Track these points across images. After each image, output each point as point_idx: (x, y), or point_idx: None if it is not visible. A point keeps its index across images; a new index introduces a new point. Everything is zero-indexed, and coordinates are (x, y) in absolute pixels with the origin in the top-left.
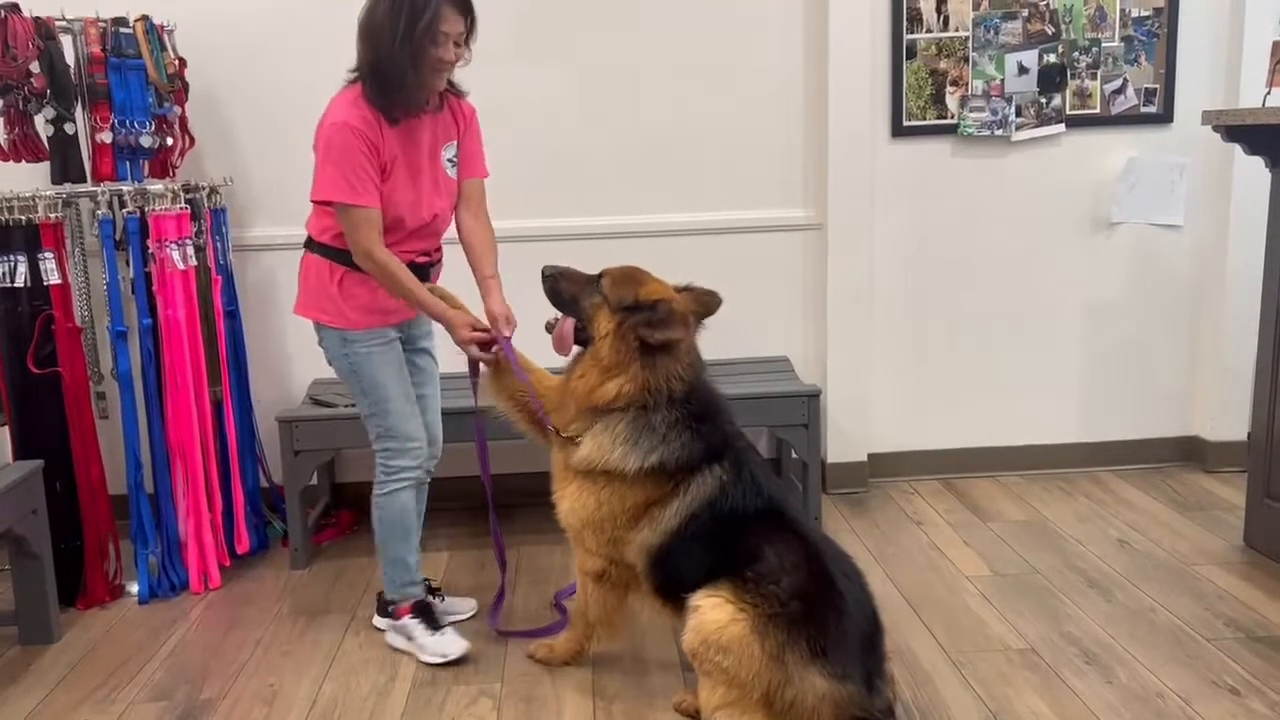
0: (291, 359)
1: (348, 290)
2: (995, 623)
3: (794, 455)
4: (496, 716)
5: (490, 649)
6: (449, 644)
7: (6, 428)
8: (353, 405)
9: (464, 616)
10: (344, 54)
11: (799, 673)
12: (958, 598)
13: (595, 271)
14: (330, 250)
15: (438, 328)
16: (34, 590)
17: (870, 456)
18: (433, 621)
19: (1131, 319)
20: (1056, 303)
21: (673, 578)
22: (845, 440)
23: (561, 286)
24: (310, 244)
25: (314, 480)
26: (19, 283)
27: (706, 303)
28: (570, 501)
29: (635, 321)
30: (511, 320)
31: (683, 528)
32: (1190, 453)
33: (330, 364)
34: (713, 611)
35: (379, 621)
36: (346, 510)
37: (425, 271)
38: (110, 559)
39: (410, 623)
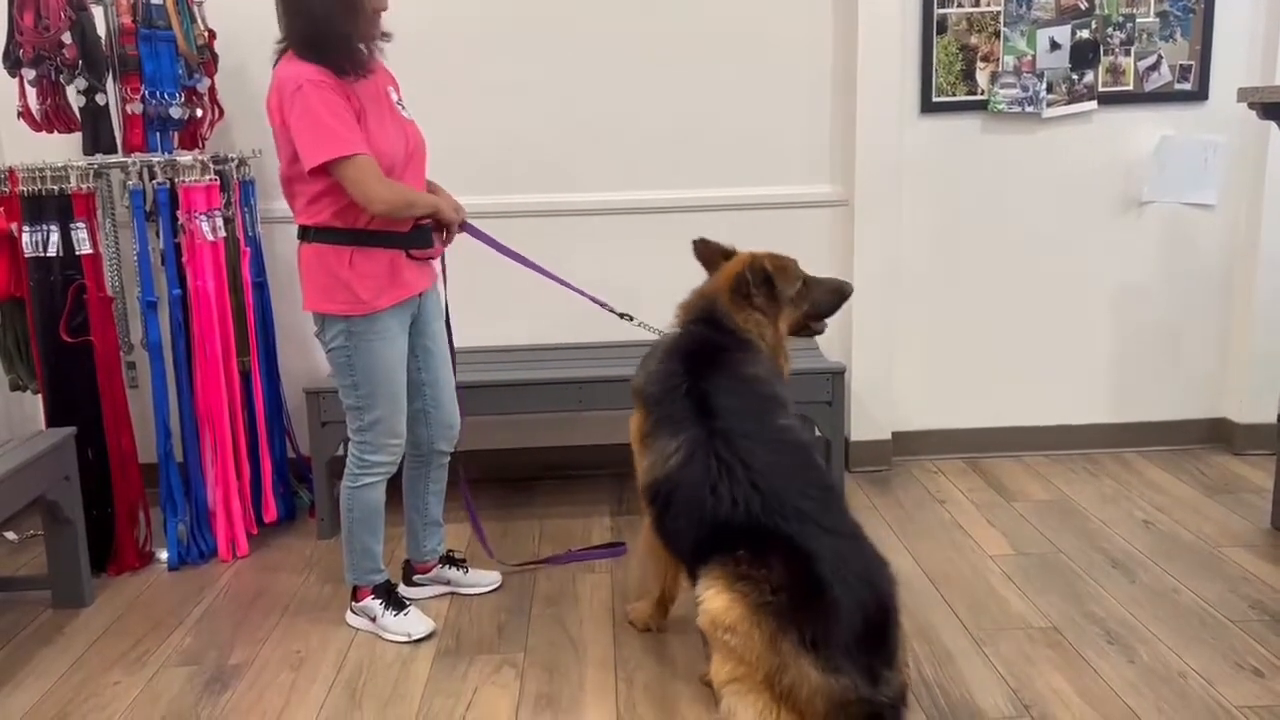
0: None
1: (362, 269)
2: (1018, 601)
3: (817, 433)
4: (519, 685)
5: (514, 619)
6: (413, 623)
7: (39, 395)
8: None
9: (489, 588)
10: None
11: (793, 661)
12: (980, 576)
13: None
14: (334, 233)
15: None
16: (67, 555)
17: (894, 435)
18: (396, 603)
19: (1161, 299)
20: (1085, 282)
21: (667, 540)
22: (869, 418)
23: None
24: (308, 234)
25: (341, 451)
26: (51, 252)
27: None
28: None
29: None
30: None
31: (656, 486)
32: (1218, 435)
33: (327, 353)
34: (715, 600)
35: (350, 617)
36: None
37: (426, 233)
38: (140, 526)
39: (373, 604)
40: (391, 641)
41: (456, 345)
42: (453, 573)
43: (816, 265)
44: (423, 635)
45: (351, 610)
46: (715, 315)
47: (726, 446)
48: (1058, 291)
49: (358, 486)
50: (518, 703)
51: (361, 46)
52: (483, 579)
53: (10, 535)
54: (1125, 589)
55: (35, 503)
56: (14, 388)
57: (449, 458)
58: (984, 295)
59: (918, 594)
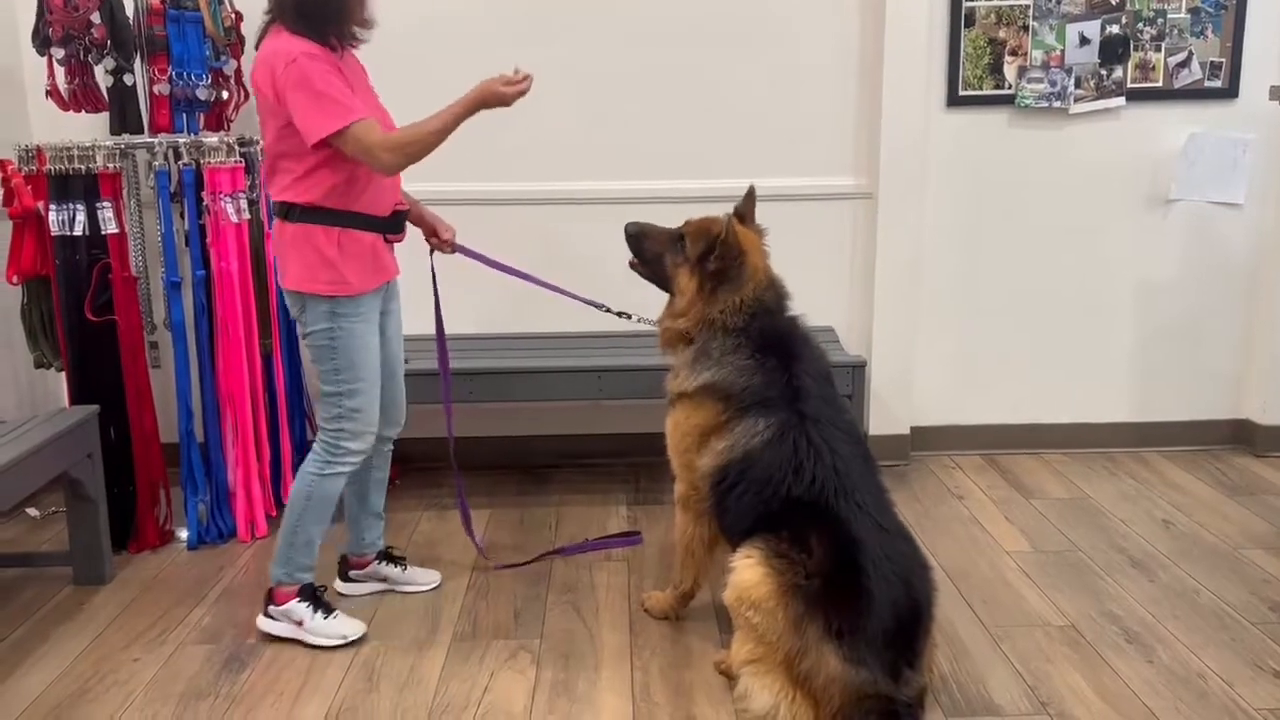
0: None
1: (349, 250)
2: (1035, 599)
3: None
4: (535, 671)
5: (531, 606)
6: (345, 626)
7: (63, 373)
8: (406, 362)
9: (426, 588)
10: (397, 6)
11: (815, 646)
12: (998, 573)
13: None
14: (322, 213)
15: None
16: (88, 532)
17: (913, 430)
18: (324, 605)
19: (1185, 298)
20: (1109, 280)
21: (725, 518)
22: (888, 412)
23: (645, 245)
24: (293, 213)
25: None
26: (78, 231)
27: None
28: (667, 433)
29: (705, 264)
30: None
31: (728, 467)
32: (1240, 436)
33: (305, 339)
34: (746, 571)
35: (264, 623)
36: (392, 465)
37: (402, 219)
38: (161, 505)
39: (299, 607)
40: (320, 646)
41: (478, 331)
42: (390, 569)
43: (838, 257)
44: (357, 637)
45: (268, 615)
46: (781, 301)
47: (817, 430)
48: (1080, 288)
49: (325, 475)
50: (534, 688)
51: (357, 15)
52: (420, 578)
53: (32, 512)
54: (1144, 588)
55: (58, 480)
56: (38, 365)
57: (393, 446)
58: (1006, 291)
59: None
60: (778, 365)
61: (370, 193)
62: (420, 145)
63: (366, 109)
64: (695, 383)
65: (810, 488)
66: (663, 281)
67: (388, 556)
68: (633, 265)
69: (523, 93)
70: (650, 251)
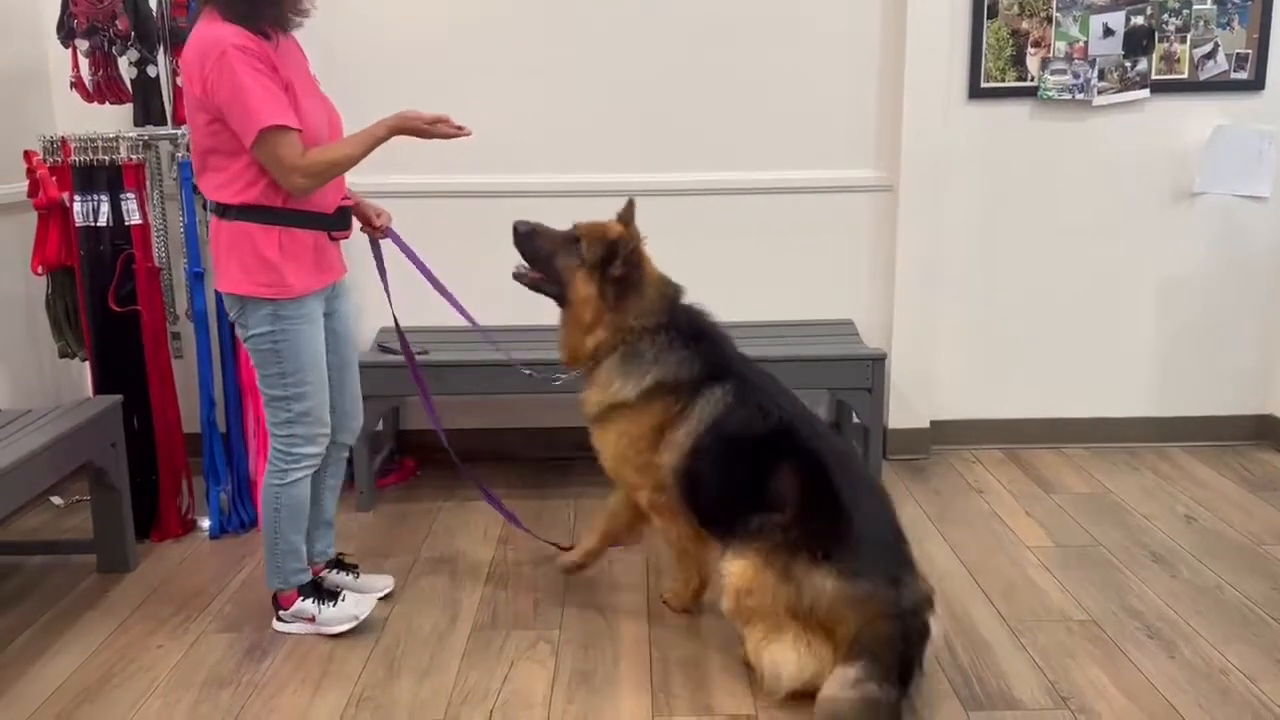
0: (360, 309)
1: (290, 251)
2: (1056, 593)
3: (855, 419)
4: (555, 661)
5: (550, 596)
6: (354, 607)
7: (87, 363)
8: (424, 352)
9: (381, 594)
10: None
11: (807, 578)
12: (1018, 567)
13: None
14: (261, 211)
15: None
16: (112, 521)
17: (933, 423)
18: (327, 594)
19: (1209, 292)
20: (1132, 274)
21: (699, 501)
22: (908, 406)
23: (538, 245)
24: (229, 211)
25: (379, 426)
26: (101, 222)
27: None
28: (602, 448)
29: (608, 270)
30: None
31: (695, 448)
32: (1263, 432)
33: (246, 342)
34: (732, 563)
35: (280, 626)
36: (410, 457)
37: (347, 215)
38: (183, 494)
39: (306, 604)
40: (338, 635)
41: (503, 323)
42: (342, 577)
43: (858, 250)
44: (367, 612)
45: (279, 619)
46: (681, 294)
47: (768, 383)
48: (1102, 282)
49: (287, 483)
50: (553, 677)
51: (287, 9)
52: (374, 584)
53: (56, 500)
54: (1166, 584)
55: (82, 469)
56: (63, 355)
57: (348, 452)
58: (1027, 284)
59: (954, 583)
60: (711, 348)
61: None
62: (337, 169)
63: (301, 114)
64: (639, 388)
65: (778, 424)
66: (554, 285)
67: (339, 564)
68: (518, 275)
69: (446, 136)
70: (543, 250)
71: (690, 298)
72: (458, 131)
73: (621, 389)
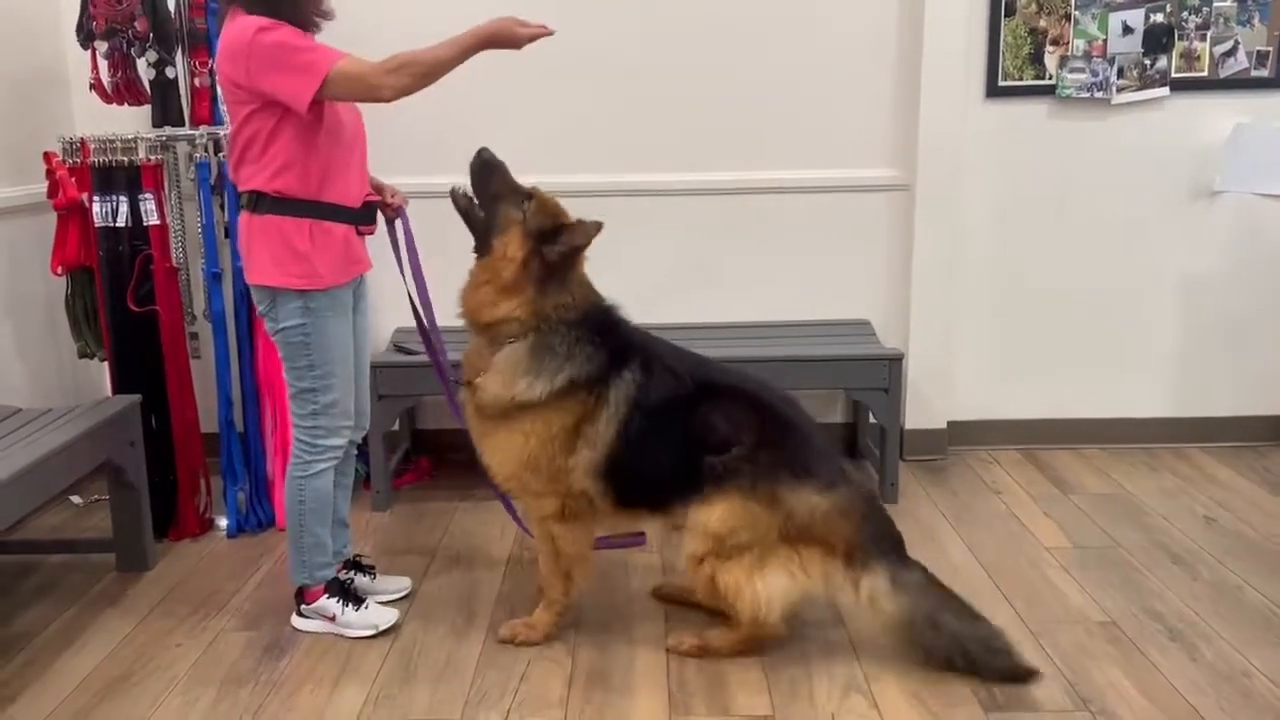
0: (375, 306)
1: (321, 242)
2: (1075, 595)
3: (872, 420)
4: (571, 661)
5: None
6: (377, 615)
7: (106, 363)
8: (417, 353)
9: (397, 595)
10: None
11: (796, 499)
12: (1037, 569)
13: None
14: (292, 204)
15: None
16: (131, 520)
17: (950, 424)
18: (352, 597)
19: (1229, 292)
20: (1151, 273)
21: (632, 484)
22: (925, 406)
23: (492, 182)
24: (261, 204)
25: (395, 426)
26: (120, 222)
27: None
28: (498, 450)
29: (544, 246)
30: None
31: (622, 432)
32: None
33: (275, 335)
34: (717, 519)
35: (298, 622)
36: (426, 456)
37: (373, 210)
38: (201, 493)
39: (329, 603)
40: (357, 638)
41: None
42: (360, 579)
43: (875, 249)
44: (389, 625)
45: (300, 614)
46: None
47: (664, 347)
48: (1121, 282)
49: (310, 475)
50: (570, 677)
51: (311, 10)
52: (391, 584)
53: (75, 499)
54: (1187, 585)
55: (101, 468)
56: (82, 355)
57: (357, 451)
58: (1045, 284)
59: (973, 584)
60: (614, 336)
61: (341, 183)
62: (423, 67)
63: (332, 105)
64: (549, 388)
65: (696, 379)
66: (482, 226)
67: (356, 565)
68: (454, 192)
69: (535, 38)
70: (493, 188)
71: (693, 298)
72: (545, 32)
73: (530, 387)
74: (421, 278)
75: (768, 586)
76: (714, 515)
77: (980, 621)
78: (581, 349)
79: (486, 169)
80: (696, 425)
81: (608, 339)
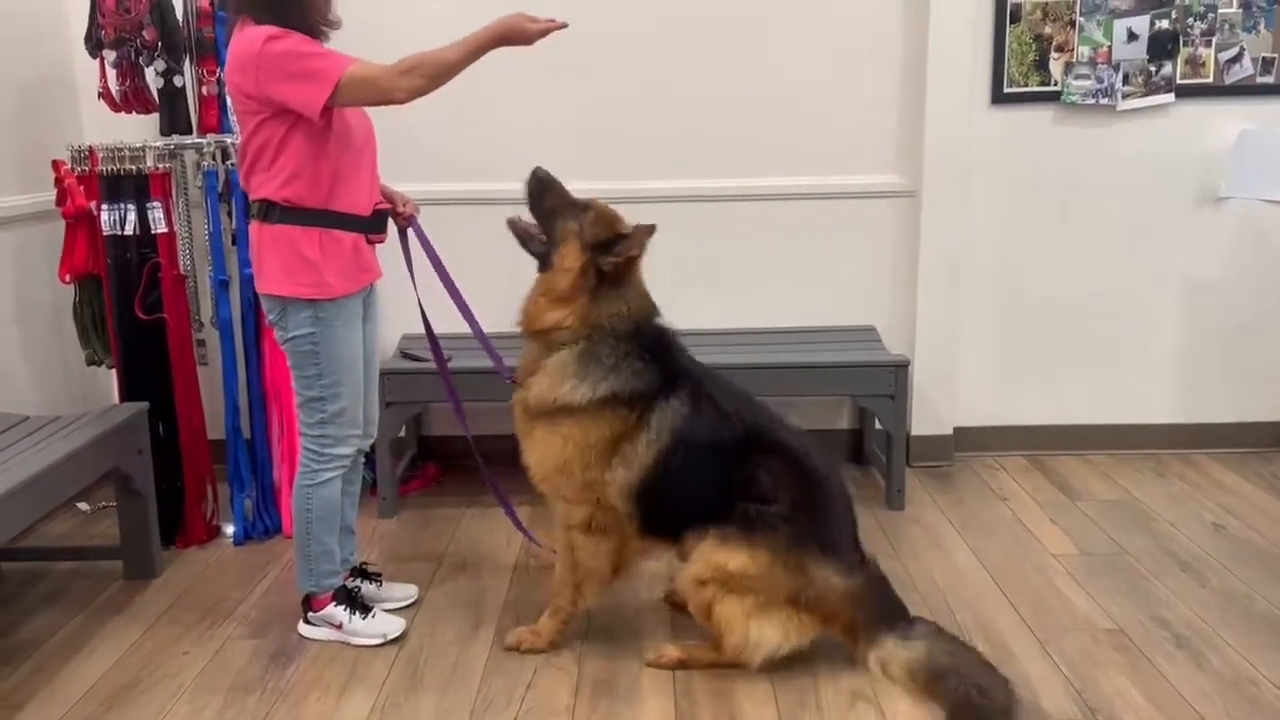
0: (382, 314)
1: (331, 251)
2: (1082, 602)
3: (878, 426)
4: (578, 669)
5: None
6: (385, 624)
7: (114, 370)
8: (447, 359)
9: (403, 603)
10: (445, 8)
11: (818, 574)
12: (1043, 576)
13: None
14: (302, 213)
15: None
16: (138, 527)
17: (956, 430)
18: (359, 605)
19: (1235, 298)
20: (1157, 279)
21: (663, 515)
22: (931, 413)
23: (547, 198)
24: (272, 213)
25: (402, 433)
26: (128, 230)
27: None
28: (537, 450)
29: (600, 256)
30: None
31: (661, 461)
32: None
33: (285, 344)
34: (737, 561)
35: (305, 629)
36: (433, 463)
37: (383, 219)
38: (208, 501)
39: (336, 610)
40: (364, 646)
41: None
42: (366, 586)
43: (880, 256)
44: (396, 633)
45: (307, 621)
46: (657, 313)
47: (719, 385)
48: (1127, 288)
49: (318, 483)
50: (576, 686)
51: (318, 20)
52: (398, 592)
53: (83, 506)
54: (1195, 593)
55: (109, 475)
56: (90, 363)
57: (365, 459)
58: (1051, 290)
59: (979, 591)
60: (665, 356)
61: (351, 190)
62: (435, 68)
63: (342, 113)
64: (593, 395)
65: (745, 420)
66: (542, 243)
67: (363, 572)
68: (512, 222)
69: (546, 32)
70: (549, 204)
71: (700, 304)
72: (555, 26)
73: (574, 390)
74: (450, 281)
75: (761, 633)
76: (735, 558)
77: (993, 671)
78: (629, 364)
79: (541, 186)
80: (740, 474)
81: (657, 359)
